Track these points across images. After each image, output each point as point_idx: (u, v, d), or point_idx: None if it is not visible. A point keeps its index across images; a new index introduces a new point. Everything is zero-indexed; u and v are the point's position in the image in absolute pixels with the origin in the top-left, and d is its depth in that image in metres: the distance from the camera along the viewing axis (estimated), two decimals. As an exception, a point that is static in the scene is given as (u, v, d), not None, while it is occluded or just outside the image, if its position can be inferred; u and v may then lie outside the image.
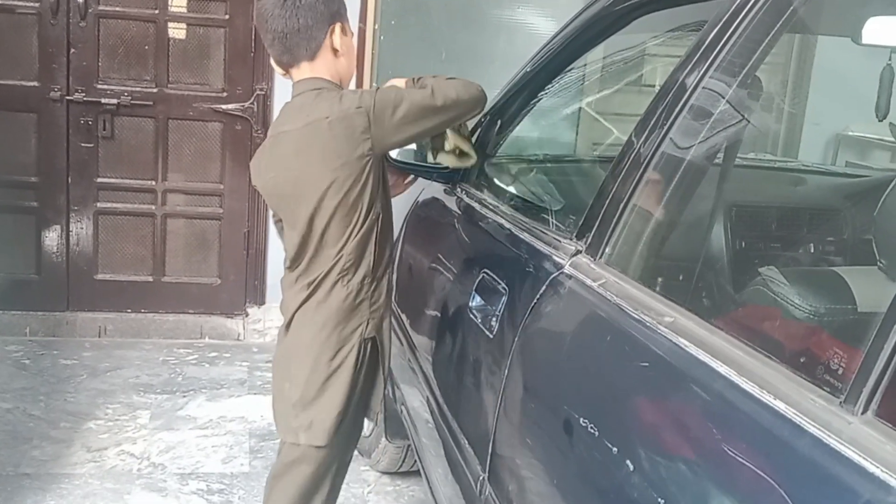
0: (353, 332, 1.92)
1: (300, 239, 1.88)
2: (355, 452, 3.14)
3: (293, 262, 1.95)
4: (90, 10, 3.92)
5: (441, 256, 2.37)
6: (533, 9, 4.36)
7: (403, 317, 2.50)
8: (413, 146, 2.29)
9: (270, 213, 2.14)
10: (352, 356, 1.92)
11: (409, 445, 2.80)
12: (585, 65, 2.55)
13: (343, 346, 1.92)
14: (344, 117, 1.78)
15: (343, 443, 2.04)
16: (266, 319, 4.22)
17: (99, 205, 4.09)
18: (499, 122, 2.34)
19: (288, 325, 1.97)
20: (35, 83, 3.95)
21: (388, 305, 2.00)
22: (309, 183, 1.82)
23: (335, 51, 1.90)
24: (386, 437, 2.90)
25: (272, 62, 1.95)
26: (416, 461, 2.76)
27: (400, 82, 2.02)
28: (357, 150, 1.78)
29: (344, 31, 1.91)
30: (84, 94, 3.96)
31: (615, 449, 1.12)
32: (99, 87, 3.98)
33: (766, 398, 0.93)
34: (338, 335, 1.91)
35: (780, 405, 0.92)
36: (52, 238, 4.08)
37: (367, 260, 1.90)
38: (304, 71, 1.89)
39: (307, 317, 1.93)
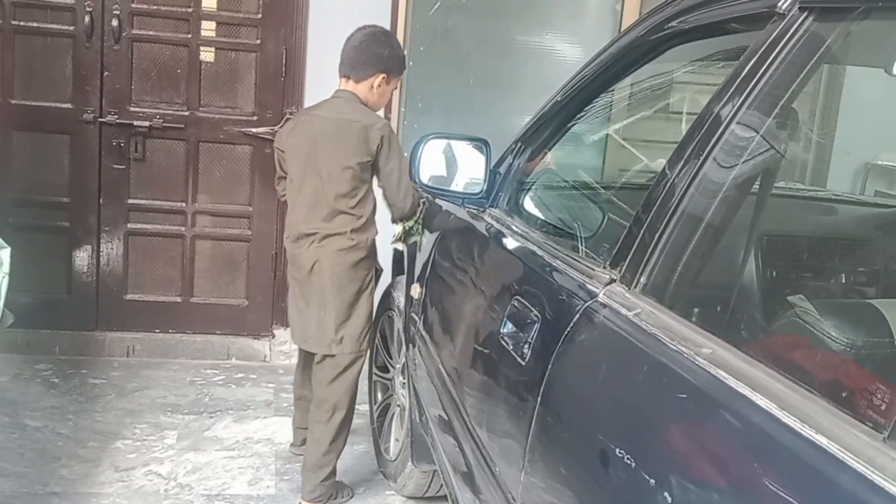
0: (369, 269, 2.87)
1: (313, 194, 2.77)
2: (380, 476, 3.18)
3: (309, 215, 2.80)
4: (124, 34, 3.99)
5: (470, 282, 2.38)
6: (561, 35, 4.39)
7: (432, 341, 2.50)
8: (444, 173, 2.39)
9: (278, 171, 3.03)
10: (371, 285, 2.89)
11: (435, 470, 2.79)
12: (612, 91, 2.56)
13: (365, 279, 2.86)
14: (368, 127, 2.74)
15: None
16: (292, 341, 4.23)
17: (129, 226, 4.15)
18: (529, 149, 2.35)
19: (311, 269, 2.81)
20: (69, 105, 4.02)
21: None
22: (332, 158, 2.74)
23: (370, 87, 2.82)
24: (412, 462, 2.90)
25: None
26: (442, 486, 2.76)
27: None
28: (367, 154, 2.74)
29: (387, 81, 2.84)
30: (116, 117, 4.03)
31: (652, 481, 1.12)
32: (131, 109, 4.05)
33: (808, 432, 0.93)
34: (361, 270, 2.83)
35: (822, 440, 0.91)
36: (82, 258, 4.13)
37: (373, 221, 2.84)
38: (348, 85, 2.83)
39: (334, 259, 2.79)
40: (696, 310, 1.38)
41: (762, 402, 1.00)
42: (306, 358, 3.13)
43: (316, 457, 2.89)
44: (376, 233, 2.88)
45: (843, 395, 1.05)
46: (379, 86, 2.81)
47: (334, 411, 2.87)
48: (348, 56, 2.80)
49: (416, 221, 2.92)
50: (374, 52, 2.78)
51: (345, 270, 2.81)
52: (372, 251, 2.88)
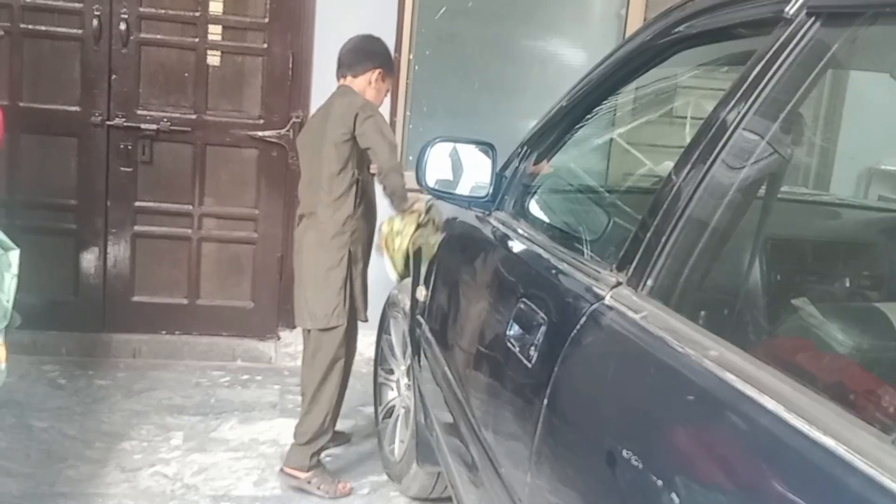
0: (341, 247, 2.96)
1: (307, 174, 3.00)
2: (385, 478, 3.19)
3: (303, 195, 3.04)
4: (132, 38, 4.01)
5: (476, 284, 2.39)
6: (565, 40, 4.40)
7: (437, 343, 2.51)
8: (450, 177, 2.41)
9: None
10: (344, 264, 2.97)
11: (440, 472, 2.80)
12: (617, 95, 2.58)
13: (336, 257, 2.96)
14: (348, 105, 2.89)
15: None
16: (297, 343, 4.24)
17: (136, 228, 4.17)
18: (535, 153, 2.36)
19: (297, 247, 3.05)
20: (77, 108, 4.04)
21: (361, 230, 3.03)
22: (318, 136, 2.93)
23: (368, 82, 3.01)
24: (417, 463, 2.90)
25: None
26: (446, 488, 2.77)
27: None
28: (344, 127, 2.86)
29: (382, 78, 3.03)
30: (124, 120, 4.05)
31: (660, 483, 1.12)
32: (139, 112, 4.07)
33: (816, 434, 0.94)
34: (332, 248, 2.95)
35: (829, 442, 0.92)
36: (89, 260, 4.15)
37: (349, 202, 2.94)
38: (346, 81, 3.04)
39: (308, 235, 2.99)
40: (702, 312, 1.38)
41: (770, 404, 1.01)
42: None
43: (296, 426, 3.09)
44: (349, 214, 2.96)
45: (851, 397, 1.06)
46: (376, 80, 3.02)
47: (310, 385, 3.06)
48: (346, 57, 3.04)
49: (423, 224, 2.90)
50: (370, 49, 3.04)
51: (315, 246, 2.98)
52: (343, 231, 2.96)
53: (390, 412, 3.33)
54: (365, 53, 3.02)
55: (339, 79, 3.05)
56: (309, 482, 3.05)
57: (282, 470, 3.09)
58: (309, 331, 3.06)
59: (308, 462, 3.05)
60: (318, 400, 3.03)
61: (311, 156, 2.98)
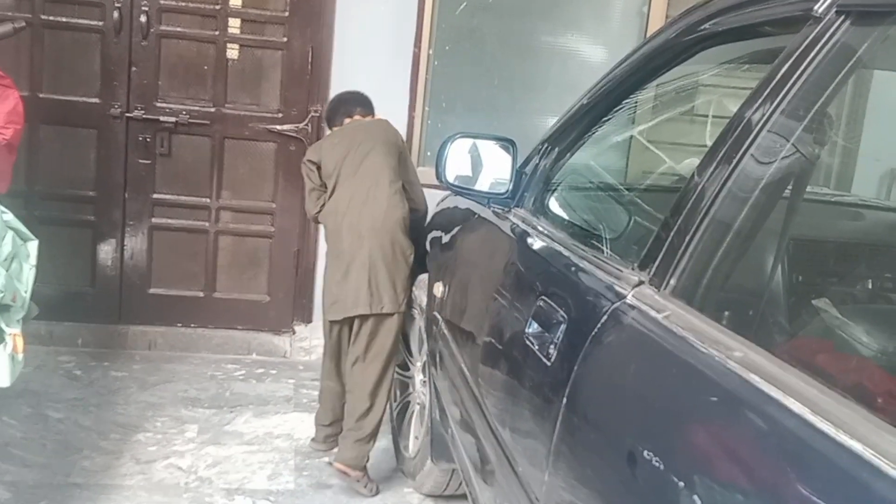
0: (408, 234, 3.08)
1: (372, 181, 3.05)
2: (399, 474, 3.18)
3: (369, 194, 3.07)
4: (152, 30, 4.02)
5: (495, 281, 2.38)
6: (586, 37, 4.38)
7: (454, 339, 2.51)
8: (470, 173, 2.40)
9: (307, 185, 3.22)
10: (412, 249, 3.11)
11: (454, 469, 2.80)
12: (639, 93, 2.55)
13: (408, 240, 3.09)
14: (389, 131, 3.21)
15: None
16: (312, 338, 4.25)
17: (154, 220, 4.18)
18: (556, 150, 2.35)
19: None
20: (96, 100, 4.05)
21: None
22: (379, 142, 3.12)
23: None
24: (431, 460, 2.90)
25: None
26: (460, 485, 2.76)
27: None
28: (395, 143, 3.17)
29: None
30: (143, 112, 4.05)
31: (681, 484, 1.11)
32: (158, 105, 4.07)
33: (842, 437, 0.93)
34: (403, 234, 3.06)
35: (856, 445, 0.91)
36: (107, 252, 4.16)
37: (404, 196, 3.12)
38: (357, 117, 3.26)
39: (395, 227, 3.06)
40: (726, 313, 1.37)
41: (795, 406, 1.00)
42: (338, 347, 3.16)
43: (355, 422, 3.03)
44: (407, 206, 3.13)
45: (878, 400, 1.04)
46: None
47: (367, 380, 3.05)
48: (352, 101, 3.31)
49: None
50: (366, 98, 3.33)
51: (387, 229, 3.02)
52: (406, 220, 3.10)
53: (405, 408, 3.33)
54: (366, 100, 3.31)
55: (343, 118, 3.25)
56: (358, 481, 3.05)
57: (330, 464, 3.11)
58: (362, 322, 3.00)
59: (364, 461, 3.06)
60: (379, 394, 3.04)
61: (366, 160, 3.07)
